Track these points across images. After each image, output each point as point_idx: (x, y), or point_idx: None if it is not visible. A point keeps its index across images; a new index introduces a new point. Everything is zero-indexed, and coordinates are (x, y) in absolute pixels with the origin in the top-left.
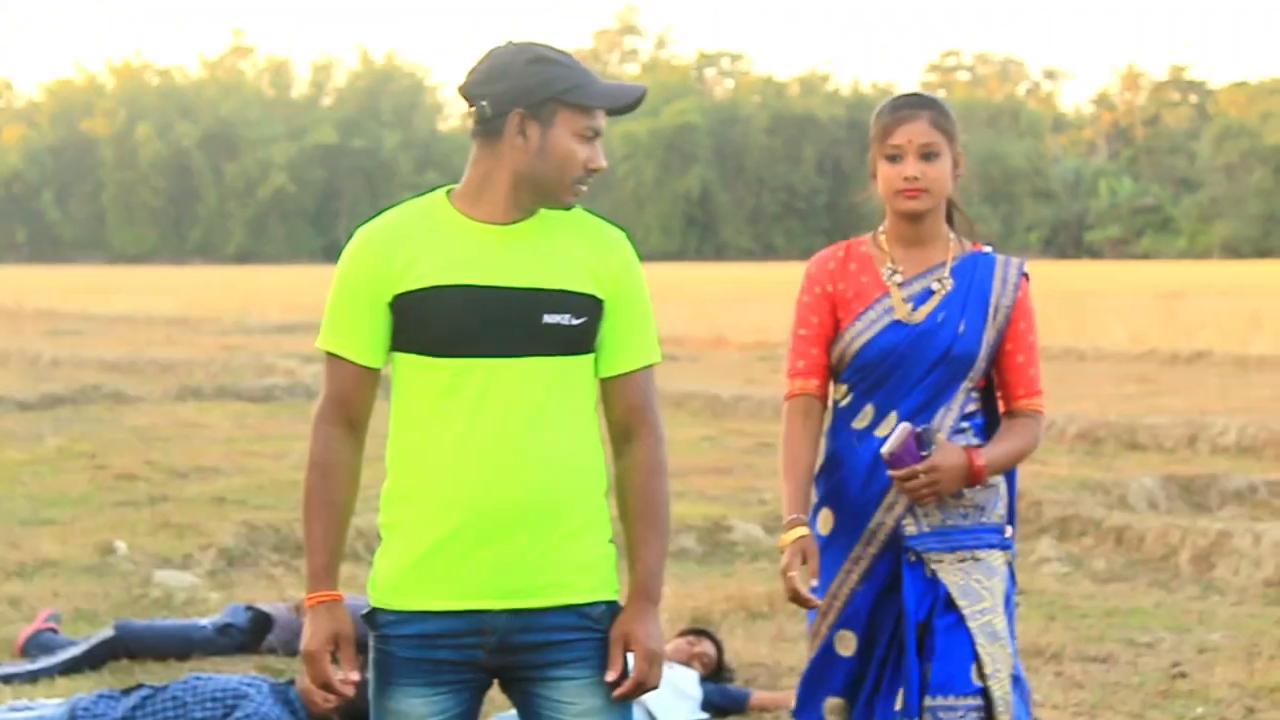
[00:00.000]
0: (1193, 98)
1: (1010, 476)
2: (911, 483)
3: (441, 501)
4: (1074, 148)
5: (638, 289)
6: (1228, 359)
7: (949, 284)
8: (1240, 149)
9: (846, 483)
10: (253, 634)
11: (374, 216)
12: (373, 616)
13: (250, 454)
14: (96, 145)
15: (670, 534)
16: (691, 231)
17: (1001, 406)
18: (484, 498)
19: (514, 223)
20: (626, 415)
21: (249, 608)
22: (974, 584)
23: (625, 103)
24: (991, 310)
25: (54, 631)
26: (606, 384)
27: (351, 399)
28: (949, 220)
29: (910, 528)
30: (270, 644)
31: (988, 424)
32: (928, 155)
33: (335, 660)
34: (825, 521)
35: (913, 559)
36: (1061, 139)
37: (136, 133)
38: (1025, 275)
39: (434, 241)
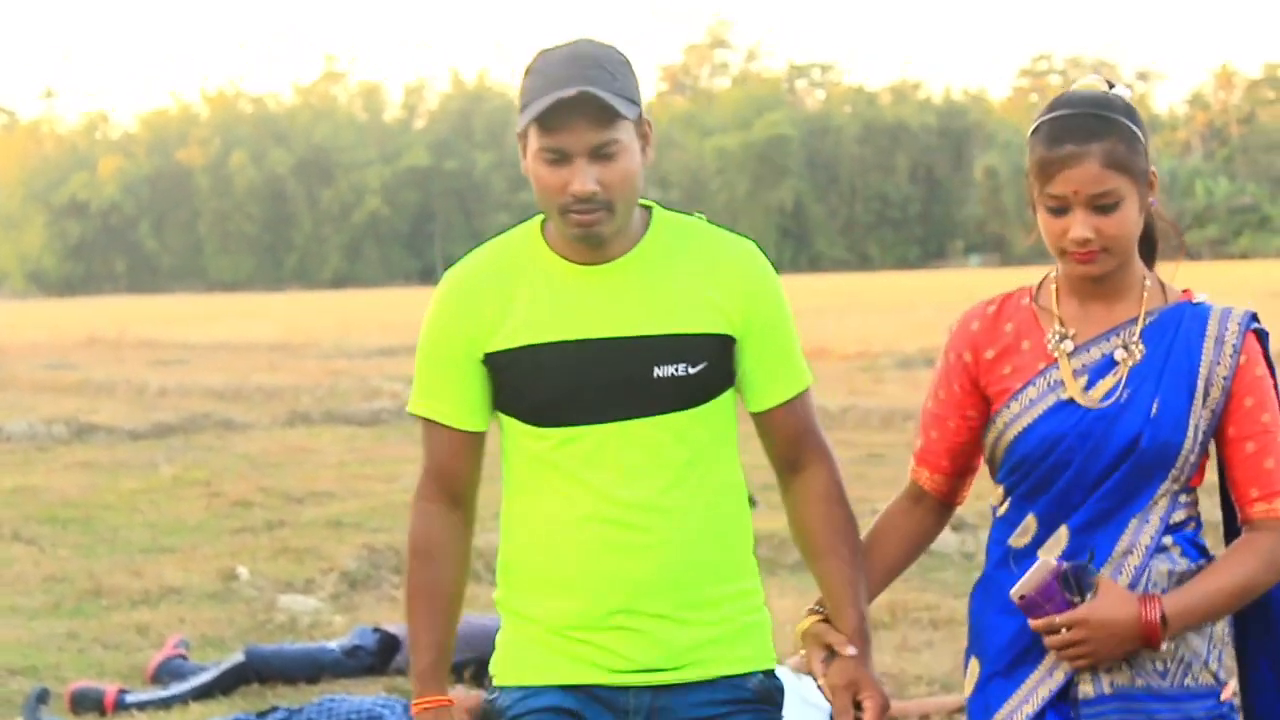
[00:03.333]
0: None
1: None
2: (1053, 638)
3: (561, 580)
4: (1169, 149)
5: (775, 311)
6: None
7: (1139, 350)
8: None
9: (1000, 623)
10: (380, 655)
11: (467, 254)
12: (495, 700)
13: (362, 477)
14: (192, 174)
15: (862, 559)
16: (786, 244)
17: (1239, 516)
18: (606, 575)
19: (612, 260)
20: (789, 447)
21: (376, 629)
22: None
23: (541, 112)
24: (1201, 385)
25: (184, 658)
26: (760, 419)
27: (451, 469)
28: (1145, 252)
29: (1086, 685)
30: (398, 665)
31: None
32: (1103, 208)
33: None
34: (971, 675)
35: None
36: (1156, 140)
37: (231, 161)
38: (1255, 331)
39: (524, 288)
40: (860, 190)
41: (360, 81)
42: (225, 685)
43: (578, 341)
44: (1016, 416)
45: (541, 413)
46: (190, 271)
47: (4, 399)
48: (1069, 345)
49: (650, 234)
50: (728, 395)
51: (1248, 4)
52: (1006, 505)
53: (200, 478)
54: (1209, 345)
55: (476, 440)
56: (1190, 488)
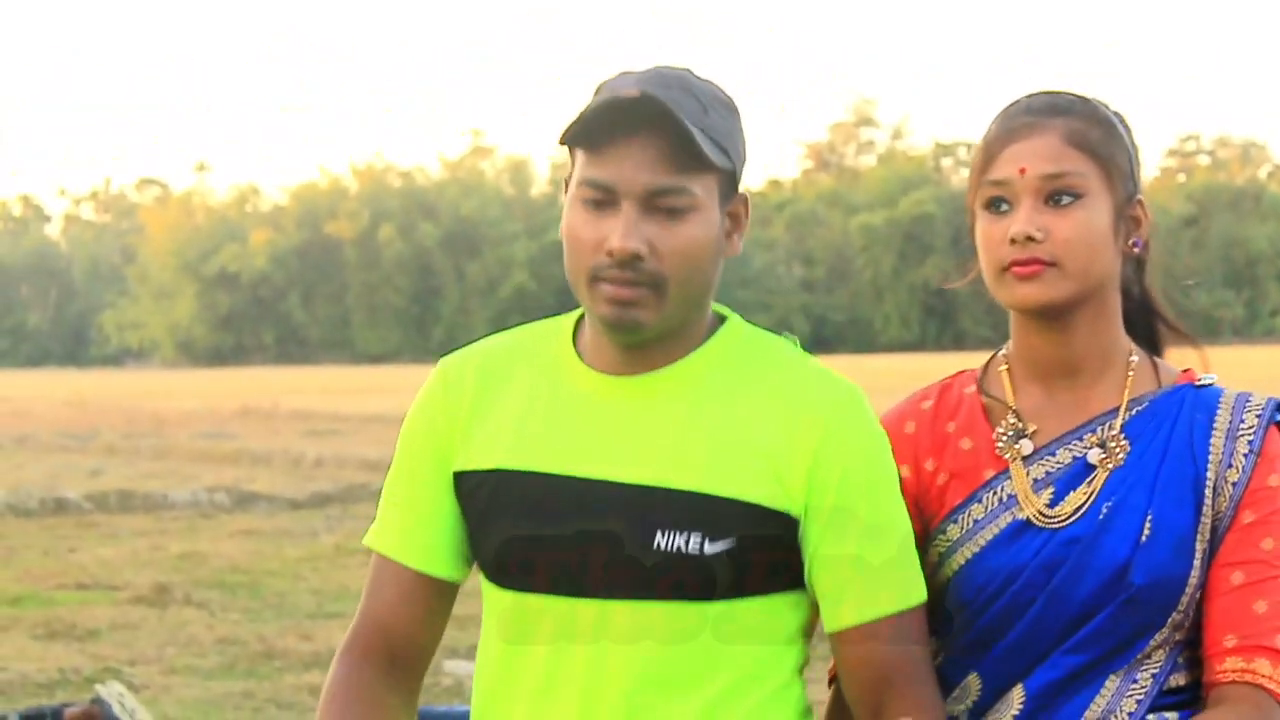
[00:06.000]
0: None
1: None
2: None
3: None
4: None
5: (862, 489)
6: None
7: (1122, 450)
8: None
9: None
10: None
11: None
12: None
13: None
14: (340, 247)
15: None
16: (930, 321)
17: (1205, 671)
18: None
19: (648, 372)
20: (868, 689)
21: None
22: None
23: (586, 122)
24: (1208, 494)
25: None
26: (835, 640)
27: (390, 623)
28: (1134, 328)
29: None
30: None
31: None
32: (1056, 196)
33: None
34: None
35: None
36: None
37: (379, 234)
38: (1278, 423)
39: (518, 393)
40: None
41: (507, 156)
42: None
43: (562, 478)
44: (957, 544)
45: (499, 567)
46: (338, 343)
47: (166, 467)
48: (1026, 446)
49: (711, 345)
50: (784, 599)
51: None
52: (939, 660)
53: (361, 547)
54: (1218, 440)
55: (434, 590)
56: (1194, 638)
